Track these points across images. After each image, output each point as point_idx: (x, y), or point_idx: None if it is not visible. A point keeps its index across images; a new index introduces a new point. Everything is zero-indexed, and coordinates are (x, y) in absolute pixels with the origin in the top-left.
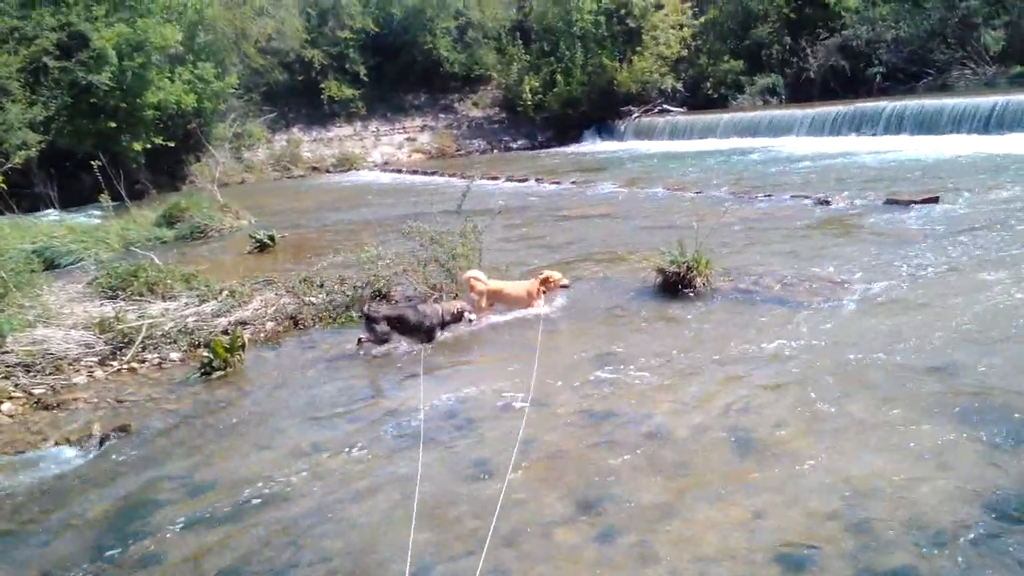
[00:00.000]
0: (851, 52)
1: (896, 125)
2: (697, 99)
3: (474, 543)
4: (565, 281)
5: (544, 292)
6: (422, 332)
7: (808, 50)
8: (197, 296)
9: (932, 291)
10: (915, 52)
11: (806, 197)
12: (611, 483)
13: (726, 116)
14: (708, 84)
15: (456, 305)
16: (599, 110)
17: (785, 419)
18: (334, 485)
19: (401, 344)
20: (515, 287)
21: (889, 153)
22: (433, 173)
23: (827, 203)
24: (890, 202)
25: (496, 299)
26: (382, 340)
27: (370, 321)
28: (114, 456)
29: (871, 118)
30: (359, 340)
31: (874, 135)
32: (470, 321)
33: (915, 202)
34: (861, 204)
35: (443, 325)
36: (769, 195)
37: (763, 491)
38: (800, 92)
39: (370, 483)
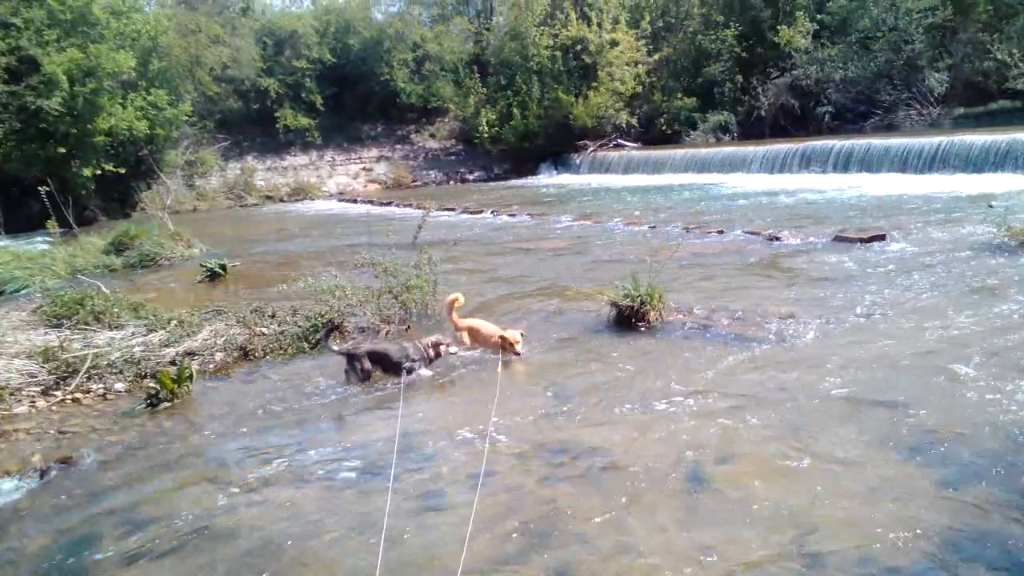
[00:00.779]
0: (801, 91)
1: (844, 163)
2: (652, 134)
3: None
4: (519, 349)
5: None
6: (403, 369)
7: (759, 88)
8: (145, 325)
9: (879, 327)
10: (862, 92)
11: (757, 233)
12: (564, 517)
13: (680, 152)
14: (662, 120)
15: (432, 339)
16: (555, 143)
17: (735, 452)
18: (283, 520)
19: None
20: (489, 329)
21: (837, 190)
22: (389, 204)
23: (777, 239)
24: (839, 239)
25: (472, 338)
26: (365, 377)
27: (353, 359)
28: (55, 488)
29: (820, 156)
30: (347, 374)
31: (823, 172)
32: (452, 353)
33: (863, 240)
34: (810, 241)
35: (429, 361)
36: (721, 231)
37: (714, 524)
38: (752, 129)
39: (320, 518)
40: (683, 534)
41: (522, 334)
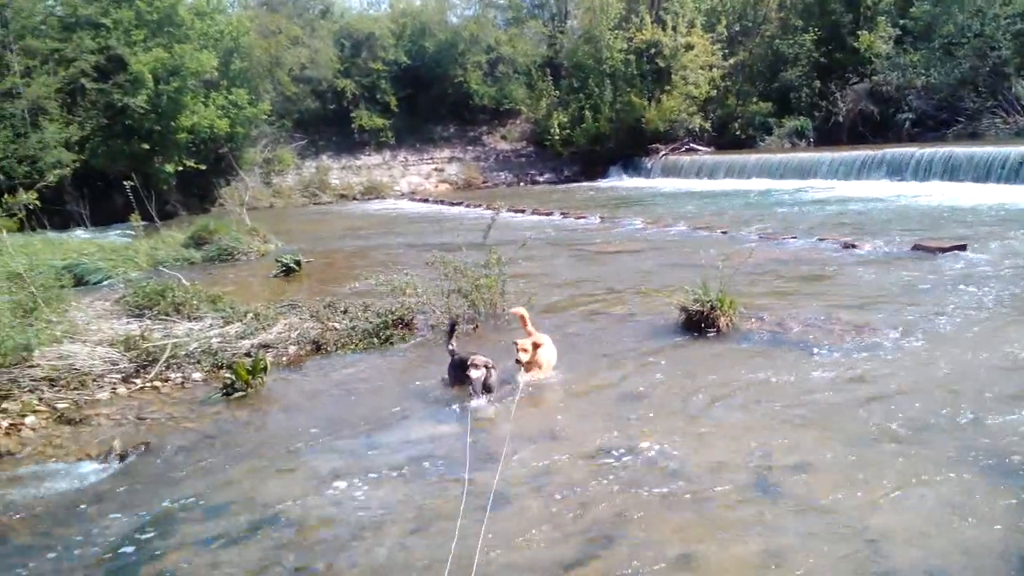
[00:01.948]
0: (880, 97)
1: (925, 171)
2: (725, 139)
3: (489, 572)
4: (520, 357)
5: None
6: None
7: (837, 94)
8: (222, 318)
9: (956, 341)
10: (945, 99)
11: (832, 240)
12: (627, 522)
13: (754, 157)
14: (736, 125)
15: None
16: (626, 147)
17: (804, 463)
18: (352, 512)
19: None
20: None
21: (917, 199)
22: (459, 204)
23: (853, 247)
24: (917, 248)
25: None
26: (486, 389)
27: (466, 368)
28: (134, 473)
29: (899, 164)
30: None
31: (902, 180)
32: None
33: (943, 249)
34: (888, 250)
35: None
36: (795, 237)
37: (781, 535)
38: (828, 135)
39: (388, 511)
40: (749, 544)
41: (534, 344)
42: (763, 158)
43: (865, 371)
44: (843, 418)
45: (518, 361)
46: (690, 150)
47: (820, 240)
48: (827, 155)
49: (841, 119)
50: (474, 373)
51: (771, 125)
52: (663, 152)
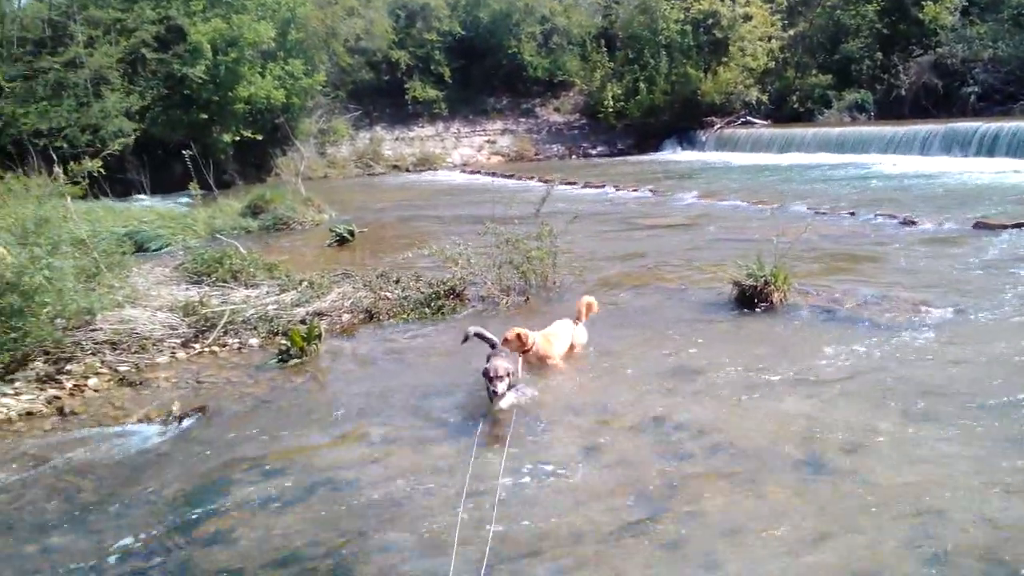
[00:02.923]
0: (945, 70)
1: (990, 147)
2: (782, 112)
3: (543, 544)
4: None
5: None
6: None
7: (900, 67)
8: (278, 285)
9: (1017, 320)
10: (1013, 72)
11: (891, 216)
12: (677, 492)
13: (812, 131)
14: (794, 98)
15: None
16: (681, 120)
17: (856, 440)
18: (403, 478)
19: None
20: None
21: (981, 175)
22: (511, 176)
23: (913, 223)
24: (979, 226)
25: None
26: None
27: (494, 380)
28: (192, 435)
29: (963, 138)
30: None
31: (965, 156)
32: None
33: (1006, 227)
34: (949, 226)
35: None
36: (852, 212)
37: (832, 511)
38: (890, 109)
39: (439, 478)
40: (799, 519)
41: (519, 335)
42: (821, 132)
43: (921, 349)
44: (897, 396)
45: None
46: (746, 123)
47: (878, 216)
48: (888, 129)
49: (903, 92)
50: (500, 387)
51: (830, 98)
52: (718, 125)
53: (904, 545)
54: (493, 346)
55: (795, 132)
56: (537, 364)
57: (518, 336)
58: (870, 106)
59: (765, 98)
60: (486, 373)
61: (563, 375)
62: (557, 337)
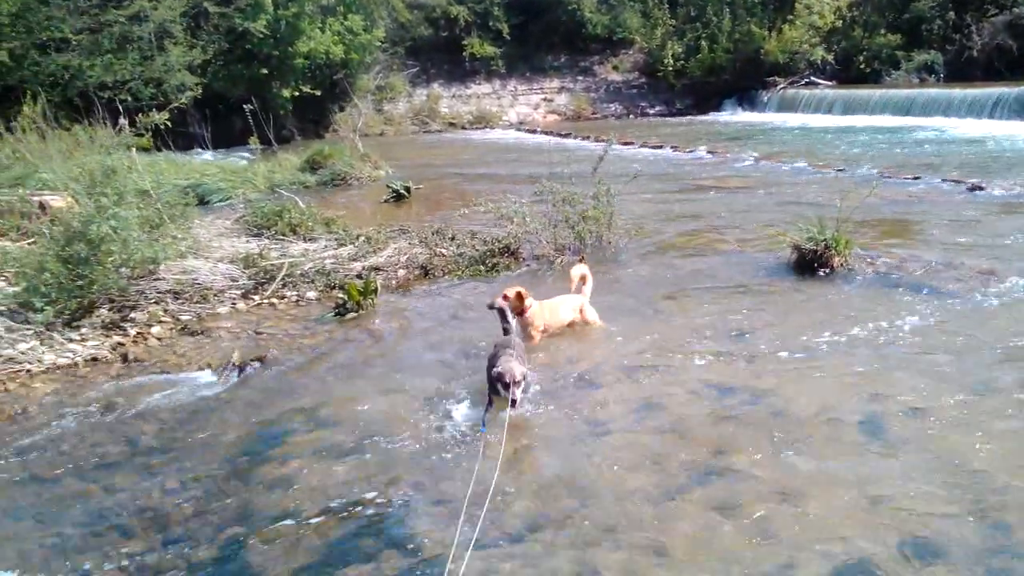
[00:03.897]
0: (1021, 31)
1: None
2: (848, 73)
3: (593, 496)
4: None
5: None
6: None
7: (973, 27)
8: (335, 240)
9: None
10: None
11: (959, 182)
12: (731, 455)
13: (878, 92)
14: (861, 58)
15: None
16: (743, 79)
17: (915, 407)
18: (455, 433)
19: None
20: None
21: None
22: (567, 135)
23: (981, 189)
24: None
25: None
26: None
27: (504, 384)
28: (251, 384)
29: None
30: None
31: None
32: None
33: None
34: (1019, 192)
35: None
36: (919, 177)
37: (887, 475)
38: (960, 71)
39: (488, 433)
40: (852, 483)
41: (519, 293)
42: (888, 93)
43: (986, 319)
44: (961, 365)
45: (494, 307)
46: (810, 83)
47: (945, 181)
48: (958, 92)
49: (976, 54)
50: (517, 393)
51: (899, 59)
52: (782, 85)
53: (961, 513)
54: (507, 332)
55: (861, 93)
56: (523, 332)
57: (518, 295)
58: (940, 68)
59: (831, 58)
60: (500, 377)
61: (617, 336)
62: (554, 312)
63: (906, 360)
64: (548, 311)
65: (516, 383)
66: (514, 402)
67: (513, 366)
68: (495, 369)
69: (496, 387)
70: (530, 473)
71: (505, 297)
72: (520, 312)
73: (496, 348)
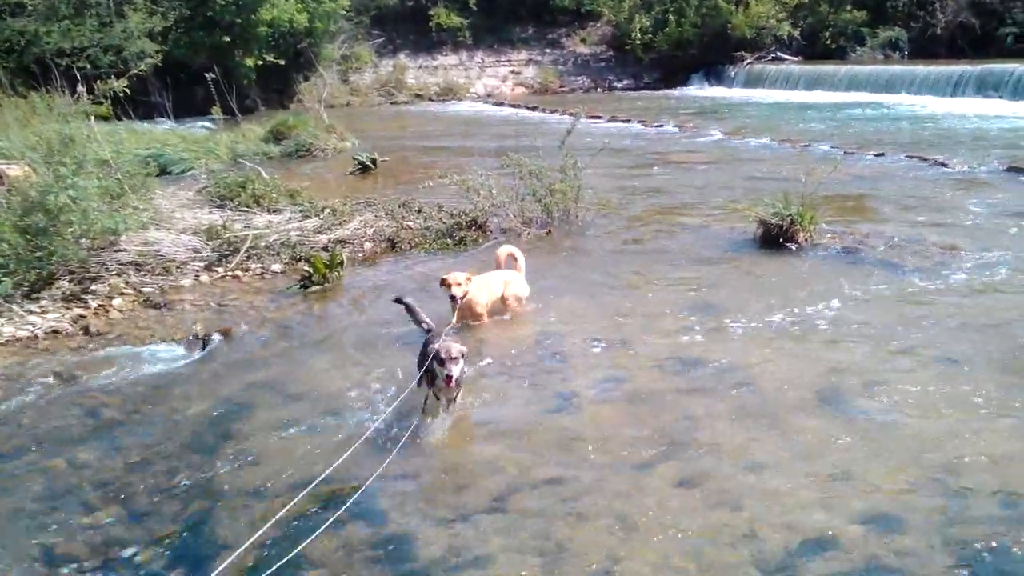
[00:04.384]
0: (983, 9)
1: None
2: (814, 49)
3: (559, 470)
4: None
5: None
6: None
7: (937, 4)
8: (300, 212)
9: None
10: None
11: (922, 158)
12: (695, 428)
13: (843, 68)
14: (827, 34)
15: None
16: (710, 54)
17: (877, 380)
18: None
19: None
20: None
21: (1015, 119)
22: (535, 108)
23: (944, 166)
24: (1012, 169)
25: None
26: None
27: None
28: (215, 357)
29: (998, 80)
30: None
31: (1000, 98)
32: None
33: None
34: (981, 169)
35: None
36: (882, 153)
37: (851, 451)
38: (924, 48)
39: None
40: (817, 458)
41: (470, 278)
42: (853, 70)
43: (949, 294)
44: (921, 339)
45: (452, 298)
46: (776, 59)
47: (909, 157)
48: (921, 69)
49: (939, 31)
50: (454, 369)
51: (864, 35)
52: (748, 60)
53: (922, 484)
54: (429, 330)
55: (826, 69)
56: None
57: (469, 279)
58: (904, 44)
59: (797, 33)
60: (436, 355)
61: (583, 310)
62: (485, 288)
63: (868, 334)
64: (486, 287)
65: (453, 359)
66: (451, 378)
67: (451, 344)
68: (432, 347)
69: (432, 366)
70: (495, 448)
71: (444, 284)
72: (463, 295)
73: (430, 335)
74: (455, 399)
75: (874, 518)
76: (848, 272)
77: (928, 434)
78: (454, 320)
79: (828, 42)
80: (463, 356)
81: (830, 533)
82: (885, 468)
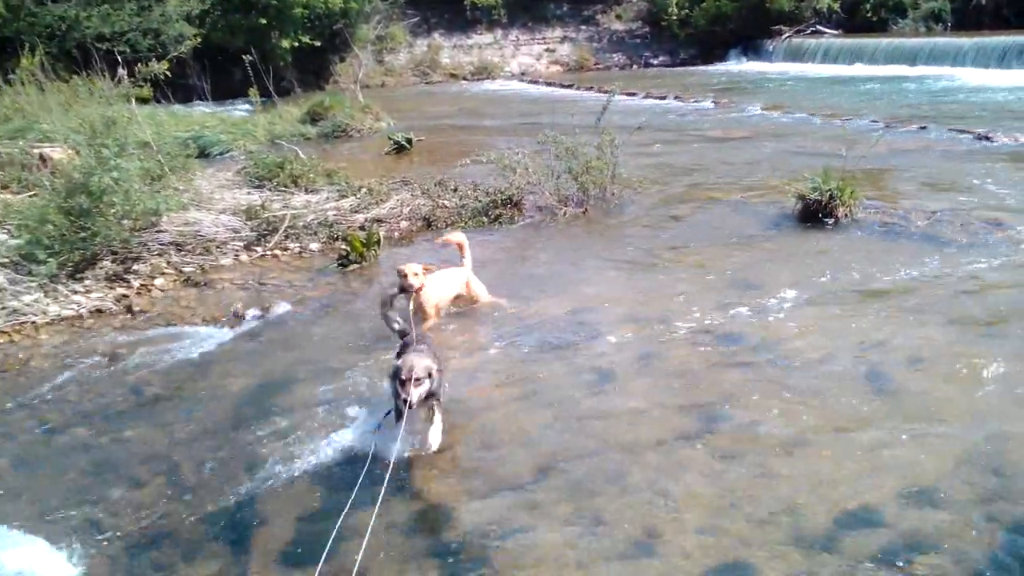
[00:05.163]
0: None
1: None
2: (855, 22)
3: (597, 444)
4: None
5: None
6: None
7: None
8: (337, 191)
9: None
10: None
11: (966, 132)
12: (734, 403)
13: (885, 41)
14: (868, 6)
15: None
16: (748, 29)
17: (920, 359)
18: (462, 382)
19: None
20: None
21: None
22: (570, 86)
23: (988, 139)
24: None
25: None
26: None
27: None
28: (255, 335)
29: None
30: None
31: None
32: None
33: None
34: None
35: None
36: (924, 127)
37: (891, 426)
38: (968, 19)
39: (498, 382)
40: (861, 432)
41: (427, 268)
42: (895, 42)
43: (994, 270)
44: (963, 315)
45: (404, 289)
46: (816, 33)
47: (952, 131)
48: (966, 40)
49: (984, 1)
50: (412, 393)
51: (905, 7)
52: (787, 35)
53: (963, 460)
54: (403, 334)
55: (868, 42)
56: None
57: (426, 269)
58: (947, 16)
59: (837, 6)
60: (395, 372)
61: (620, 286)
62: (439, 286)
63: (909, 309)
64: (438, 286)
65: (416, 380)
66: (408, 403)
67: (415, 360)
68: (394, 363)
69: (393, 384)
70: (532, 421)
71: (403, 275)
72: (417, 289)
73: (403, 347)
74: (433, 419)
75: (914, 493)
76: (889, 247)
77: (972, 410)
78: (410, 312)
79: (869, 14)
80: (430, 375)
81: (870, 508)
82: (926, 444)
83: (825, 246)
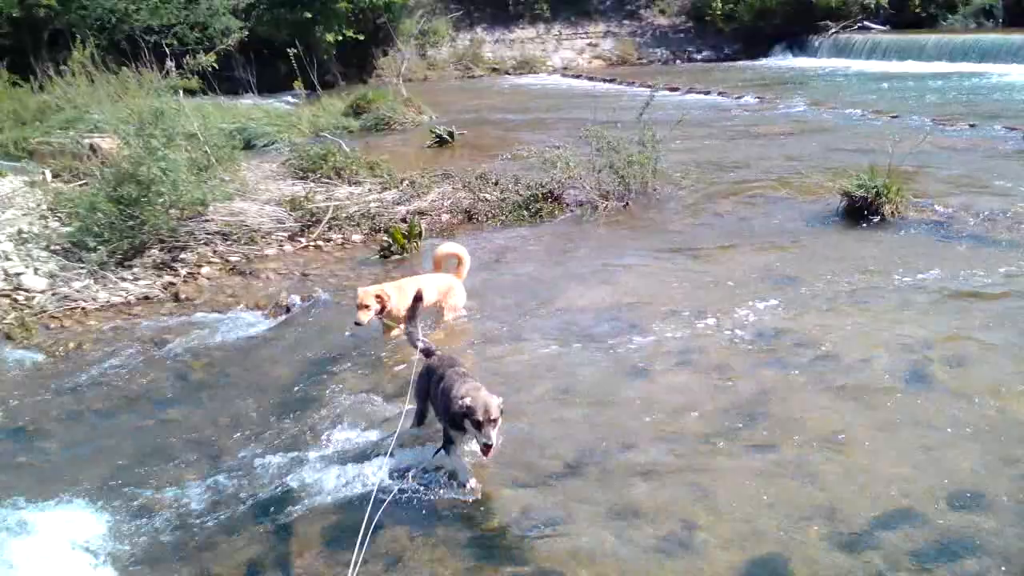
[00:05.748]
0: None
1: None
2: (903, 17)
3: (635, 438)
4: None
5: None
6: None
7: None
8: (380, 184)
9: None
10: None
11: (1017, 129)
12: (774, 400)
13: (934, 37)
14: (916, 1)
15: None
16: (793, 24)
17: (964, 358)
18: (502, 374)
19: None
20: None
21: None
22: (612, 81)
23: None
24: None
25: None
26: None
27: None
28: (298, 323)
29: None
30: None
31: None
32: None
33: None
34: None
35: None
36: (974, 125)
37: (933, 428)
38: (1021, 16)
39: (537, 374)
40: (899, 433)
41: (379, 296)
42: (944, 39)
43: None
44: (1013, 317)
45: (357, 323)
46: (863, 28)
47: (1003, 129)
48: (1018, 37)
49: None
50: (493, 435)
51: (955, 2)
52: (833, 30)
53: (1005, 462)
54: (427, 352)
55: (916, 38)
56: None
57: (378, 297)
58: (999, 11)
59: (884, 1)
60: (468, 412)
61: (661, 282)
62: (403, 293)
63: (956, 310)
64: (403, 294)
65: (492, 421)
66: (489, 447)
67: (487, 399)
68: (462, 401)
69: (462, 424)
70: (571, 414)
71: (365, 307)
72: (382, 309)
73: (440, 367)
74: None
75: (954, 495)
76: (935, 246)
77: (1015, 415)
78: (384, 334)
79: (917, 10)
80: (502, 411)
81: (909, 509)
82: (967, 446)
83: (870, 244)
